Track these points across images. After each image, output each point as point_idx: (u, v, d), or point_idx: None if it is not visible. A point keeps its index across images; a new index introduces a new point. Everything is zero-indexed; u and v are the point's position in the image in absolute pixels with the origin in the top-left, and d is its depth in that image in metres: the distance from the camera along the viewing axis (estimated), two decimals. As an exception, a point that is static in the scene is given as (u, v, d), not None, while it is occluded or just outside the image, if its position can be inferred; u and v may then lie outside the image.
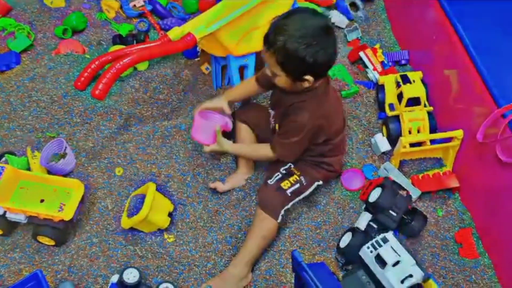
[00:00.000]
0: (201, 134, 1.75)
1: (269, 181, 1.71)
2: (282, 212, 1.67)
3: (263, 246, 1.66)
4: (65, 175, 1.81)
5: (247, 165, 1.87)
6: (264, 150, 1.69)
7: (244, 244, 1.65)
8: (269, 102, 1.83)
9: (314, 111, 1.55)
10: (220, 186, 1.81)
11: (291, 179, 1.71)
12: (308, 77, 1.46)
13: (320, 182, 1.77)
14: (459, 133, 1.81)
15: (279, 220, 1.66)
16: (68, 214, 1.61)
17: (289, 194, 1.69)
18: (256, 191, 1.81)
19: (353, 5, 2.43)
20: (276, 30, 1.42)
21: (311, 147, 1.68)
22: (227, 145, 1.74)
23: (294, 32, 1.39)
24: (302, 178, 1.72)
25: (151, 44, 1.89)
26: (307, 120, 1.54)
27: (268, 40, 1.44)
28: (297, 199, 1.72)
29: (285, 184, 1.69)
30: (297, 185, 1.71)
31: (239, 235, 1.73)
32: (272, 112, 1.75)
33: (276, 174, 1.72)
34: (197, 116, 1.76)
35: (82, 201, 1.69)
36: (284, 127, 1.62)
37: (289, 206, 1.70)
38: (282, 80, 1.50)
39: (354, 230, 1.67)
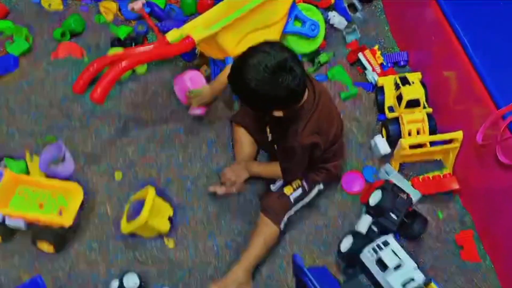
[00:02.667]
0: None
1: (272, 187, 1.72)
2: (285, 219, 1.67)
3: (264, 252, 1.65)
4: (64, 179, 1.80)
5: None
6: (278, 171, 1.68)
7: (246, 249, 1.64)
8: None
9: (301, 132, 1.52)
10: (220, 189, 1.80)
11: (294, 184, 1.71)
12: (276, 112, 1.46)
13: (321, 186, 1.77)
14: (459, 135, 1.80)
15: (281, 227, 1.66)
16: (68, 219, 1.61)
17: (292, 201, 1.69)
18: (257, 195, 1.80)
19: (352, 7, 2.42)
20: (233, 76, 1.43)
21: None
22: (250, 165, 1.74)
23: (248, 75, 1.37)
24: (304, 183, 1.72)
25: (150, 47, 1.88)
26: (297, 143, 1.52)
27: (229, 84, 1.48)
28: (299, 205, 1.72)
29: (288, 190, 1.70)
30: (300, 190, 1.71)
31: (240, 240, 1.73)
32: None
33: (279, 180, 1.72)
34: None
35: (81, 206, 1.69)
36: (281, 152, 1.63)
37: (292, 213, 1.70)
38: (268, 114, 1.49)
39: (355, 234, 1.66)
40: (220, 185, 1.75)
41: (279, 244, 1.72)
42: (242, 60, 1.39)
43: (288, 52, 1.39)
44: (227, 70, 1.60)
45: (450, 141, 1.85)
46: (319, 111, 1.54)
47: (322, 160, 1.71)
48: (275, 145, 1.72)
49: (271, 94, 1.38)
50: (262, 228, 1.65)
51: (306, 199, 1.74)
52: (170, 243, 1.70)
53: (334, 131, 1.65)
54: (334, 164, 1.76)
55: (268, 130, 1.75)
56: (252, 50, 1.40)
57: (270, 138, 1.77)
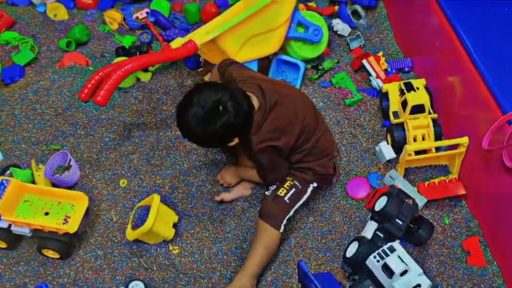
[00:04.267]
0: None
1: (266, 193, 1.72)
2: (284, 221, 1.67)
3: (267, 257, 1.65)
4: (70, 187, 1.81)
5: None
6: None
7: (248, 255, 1.64)
8: None
9: (255, 140, 1.58)
10: (226, 196, 1.80)
11: (285, 185, 1.71)
12: (232, 142, 1.58)
13: (315, 184, 1.76)
14: (464, 140, 1.80)
15: (281, 230, 1.65)
16: (73, 226, 1.61)
17: (288, 201, 1.68)
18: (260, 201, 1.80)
19: (355, 13, 2.43)
20: (180, 128, 1.55)
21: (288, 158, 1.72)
22: (239, 171, 1.83)
23: (187, 129, 1.52)
24: (296, 182, 1.72)
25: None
26: (255, 150, 1.59)
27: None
28: (296, 205, 1.71)
29: (281, 192, 1.69)
30: (293, 190, 1.70)
31: (245, 246, 1.72)
32: None
33: (272, 186, 1.74)
34: None
35: (86, 214, 1.69)
36: (253, 159, 1.68)
37: (291, 214, 1.69)
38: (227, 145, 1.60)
39: (360, 239, 1.65)
40: (225, 193, 1.77)
41: (283, 250, 1.72)
42: (178, 117, 1.54)
43: (220, 92, 1.49)
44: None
45: (455, 147, 1.84)
46: (272, 117, 1.60)
47: (299, 160, 1.72)
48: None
49: (216, 137, 1.53)
50: (261, 234, 1.64)
51: (303, 198, 1.73)
52: (175, 250, 1.70)
53: (298, 130, 1.65)
54: (317, 164, 1.74)
55: None
56: (183, 106, 1.52)
57: None
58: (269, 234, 1.64)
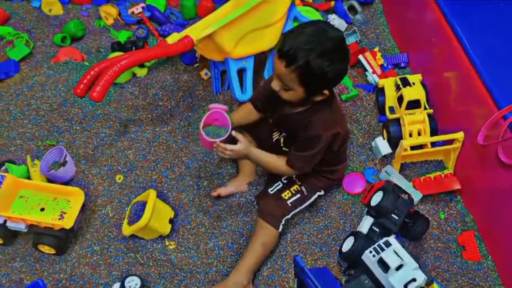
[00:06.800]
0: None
1: (269, 190, 1.71)
2: (283, 221, 1.67)
3: (263, 254, 1.65)
4: (65, 183, 1.81)
5: (249, 170, 1.85)
6: (283, 164, 1.61)
7: (246, 251, 1.64)
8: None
9: (328, 121, 1.53)
10: (222, 191, 1.80)
11: (292, 189, 1.71)
12: (325, 91, 1.45)
13: (322, 192, 1.77)
14: (460, 135, 1.80)
15: (279, 230, 1.66)
16: (68, 222, 1.61)
17: (289, 205, 1.69)
18: (256, 197, 1.80)
19: (352, 9, 2.43)
20: (296, 46, 1.35)
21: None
22: (253, 148, 1.60)
23: (316, 48, 1.34)
24: (303, 188, 1.72)
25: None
26: (323, 131, 1.52)
27: (287, 56, 1.36)
28: (297, 209, 1.72)
29: (285, 194, 1.70)
30: (298, 195, 1.71)
31: (241, 241, 1.73)
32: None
33: (277, 184, 1.73)
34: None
35: (82, 209, 1.69)
36: (300, 143, 1.56)
37: (289, 216, 1.70)
38: (295, 94, 1.45)
39: (356, 234, 1.66)
40: (221, 187, 1.76)
41: (280, 245, 1.72)
42: (338, 45, 1.39)
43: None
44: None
45: (451, 142, 1.84)
46: (337, 103, 1.58)
47: (326, 162, 1.68)
48: (282, 145, 1.71)
49: (340, 66, 1.40)
50: (260, 231, 1.65)
51: (305, 204, 1.74)
52: (171, 245, 1.70)
53: (346, 128, 1.67)
54: (337, 168, 1.77)
55: (276, 134, 1.75)
56: (314, 24, 1.42)
57: (277, 138, 1.75)
58: (268, 232, 1.65)
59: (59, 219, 1.62)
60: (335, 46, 1.37)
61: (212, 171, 1.88)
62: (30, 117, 1.97)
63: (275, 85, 1.46)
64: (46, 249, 1.65)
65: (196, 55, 2.16)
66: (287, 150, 1.69)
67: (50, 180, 1.80)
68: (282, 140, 1.72)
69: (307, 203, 1.74)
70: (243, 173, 1.85)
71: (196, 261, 1.68)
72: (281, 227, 1.66)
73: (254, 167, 1.86)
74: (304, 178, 1.73)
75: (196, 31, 1.78)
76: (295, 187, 1.72)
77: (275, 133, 1.76)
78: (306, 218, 1.79)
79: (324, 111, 1.52)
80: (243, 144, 1.54)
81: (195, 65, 2.19)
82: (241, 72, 1.96)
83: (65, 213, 1.63)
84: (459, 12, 1.88)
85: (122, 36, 2.29)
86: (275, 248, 1.71)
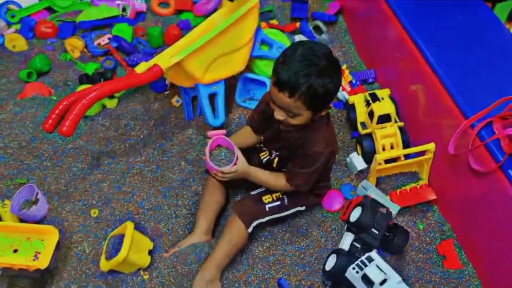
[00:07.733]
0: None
1: (251, 192, 1.73)
2: (255, 223, 1.67)
3: (230, 251, 1.64)
4: (39, 222, 1.75)
5: (206, 227, 1.72)
6: (282, 180, 1.62)
7: (215, 247, 1.64)
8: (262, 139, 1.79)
9: (327, 138, 1.55)
10: (165, 254, 1.69)
11: (274, 194, 1.71)
12: (330, 105, 1.47)
13: (303, 208, 1.78)
14: (431, 146, 1.84)
15: (249, 230, 1.65)
16: (43, 262, 1.55)
17: (267, 209, 1.69)
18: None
19: (317, 29, 2.48)
20: (293, 75, 1.32)
21: None
22: (251, 167, 1.59)
23: (313, 70, 1.33)
24: (285, 198, 1.72)
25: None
26: (323, 148, 1.53)
27: (289, 87, 1.34)
28: (273, 216, 1.71)
29: (266, 198, 1.70)
30: (278, 202, 1.71)
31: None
32: (262, 147, 1.77)
33: (261, 188, 1.73)
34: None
35: (57, 247, 1.64)
36: (299, 160, 1.56)
37: (263, 220, 1.69)
38: (303, 118, 1.43)
39: (338, 252, 1.66)
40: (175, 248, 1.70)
41: (263, 269, 1.70)
42: (330, 59, 1.38)
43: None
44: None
45: (423, 153, 1.88)
46: (331, 122, 1.60)
47: (321, 178, 1.71)
48: (275, 166, 1.71)
49: (339, 78, 1.41)
50: (231, 226, 1.65)
51: (282, 214, 1.73)
52: (145, 275, 1.65)
53: (337, 145, 1.69)
54: (326, 185, 1.81)
55: (266, 154, 1.75)
56: (301, 45, 1.40)
57: (268, 159, 1.74)
58: (237, 229, 1.64)
59: (34, 259, 1.57)
60: (329, 61, 1.37)
61: (189, 198, 1.85)
62: (-2, 156, 1.92)
63: (279, 115, 1.44)
64: (21, 292, 1.59)
65: (166, 82, 2.16)
66: (283, 169, 1.66)
67: (22, 220, 1.74)
68: (276, 160, 1.71)
69: (284, 213, 1.73)
70: (200, 230, 1.71)
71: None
72: (251, 228, 1.65)
73: (212, 224, 1.75)
74: (289, 193, 1.72)
75: (164, 59, 1.78)
76: (277, 194, 1.72)
77: (263, 153, 1.76)
78: (287, 239, 1.78)
79: (322, 128, 1.54)
80: (243, 163, 1.54)
81: (166, 92, 2.18)
82: (212, 97, 1.96)
83: (39, 253, 1.58)
84: (420, 26, 1.94)
85: (90, 68, 2.26)
86: (258, 271, 1.69)
